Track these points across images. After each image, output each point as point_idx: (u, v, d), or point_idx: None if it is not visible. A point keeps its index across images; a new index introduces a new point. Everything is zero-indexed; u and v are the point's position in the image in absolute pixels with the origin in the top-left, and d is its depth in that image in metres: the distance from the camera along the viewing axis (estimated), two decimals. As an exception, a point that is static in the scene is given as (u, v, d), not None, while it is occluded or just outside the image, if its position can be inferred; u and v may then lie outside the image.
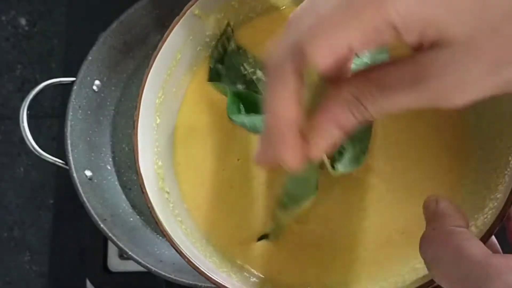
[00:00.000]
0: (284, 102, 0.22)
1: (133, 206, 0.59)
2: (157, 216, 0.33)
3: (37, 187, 0.68)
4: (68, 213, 0.63)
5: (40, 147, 0.53)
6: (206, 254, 0.34)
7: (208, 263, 0.33)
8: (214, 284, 0.31)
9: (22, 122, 0.53)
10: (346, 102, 0.21)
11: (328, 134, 0.22)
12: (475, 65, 0.19)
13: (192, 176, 0.38)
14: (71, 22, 0.68)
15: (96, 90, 0.58)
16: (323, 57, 0.20)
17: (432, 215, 0.26)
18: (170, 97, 0.38)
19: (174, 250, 0.31)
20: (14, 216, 0.68)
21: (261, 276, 0.35)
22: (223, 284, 0.30)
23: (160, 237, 0.57)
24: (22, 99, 0.54)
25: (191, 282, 0.49)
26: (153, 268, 0.50)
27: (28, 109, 0.53)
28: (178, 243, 0.32)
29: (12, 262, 0.67)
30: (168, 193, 0.36)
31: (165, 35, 0.35)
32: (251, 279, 0.34)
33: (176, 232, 0.33)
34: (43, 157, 0.53)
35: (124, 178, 0.60)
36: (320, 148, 0.23)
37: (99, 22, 0.59)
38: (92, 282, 0.58)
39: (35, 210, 0.68)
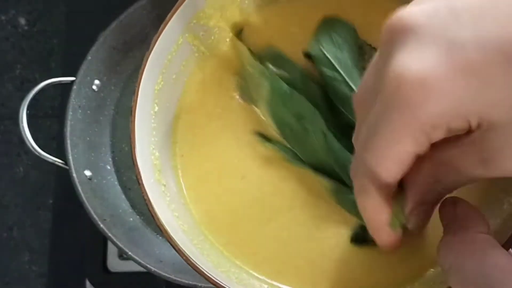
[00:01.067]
0: (373, 210, 0.25)
1: (133, 206, 0.58)
2: (153, 210, 0.31)
3: (37, 187, 0.68)
4: (67, 213, 0.63)
5: (39, 147, 0.53)
6: (204, 253, 0.33)
7: (207, 262, 0.32)
8: (214, 284, 0.30)
9: (22, 122, 0.53)
10: (429, 185, 0.24)
11: (416, 213, 0.25)
12: None
13: (196, 168, 0.36)
14: (70, 22, 0.68)
15: (96, 90, 0.58)
16: (390, 175, 0.23)
17: (450, 219, 0.25)
18: (170, 84, 0.36)
19: (173, 249, 0.31)
20: (14, 216, 0.68)
21: (262, 278, 0.34)
22: (222, 284, 0.30)
23: (160, 237, 0.57)
24: (22, 99, 0.54)
25: (191, 283, 0.49)
26: (153, 269, 0.50)
27: (27, 109, 0.53)
28: (176, 239, 0.31)
29: (12, 262, 0.67)
30: (164, 185, 0.35)
31: (167, 17, 0.34)
32: (251, 281, 0.34)
33: (174, 227, 0.32)
34: (42, 157, 0.53)
35: (124, 178, 0.59)
36: (414, 222, 0.26)
37: (99, 21, 0.59)
38: (91, 283, 0.58)
39: (35, 210, 0.67)
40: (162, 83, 0.36)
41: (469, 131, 0.21)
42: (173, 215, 0.34)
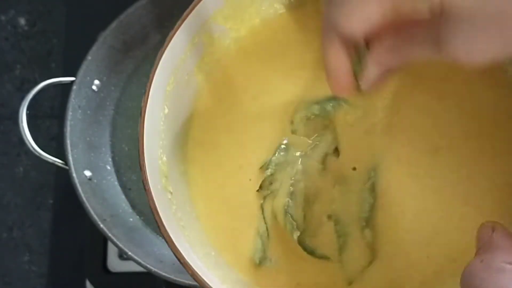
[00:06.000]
0: (335, 57, 0.28)
1: (133, 206, 0.58)
2: (160, 219, 0.30)
3: (37, 187, 0.68)
4: (67, 213, 0.63)
5: (39, 147, 0.53)
6: (209, 266, 0.32)
7: (211, 276, 0.31)
8: None
9: (22, 122, 0.53)
10: (387, 49, 0.28)
11: (373, 70, 0.29)
12: (478, 34, 0.23)
13: (208, 180, 0.35)
14: (70, 22, 0.68)
15: (96, 90, 0.58)
16: (355, 30, 0.27)
17: (484, 244, 0.24)
18: (182, 85, 0.35)
19: (177, 258, 0.29)
20: (14, 216, 0.68)
21: None
22: None
23: (160, 238, 0.57)
24: (22, 99, 0.53)
25: (191, 283, 0.49)
26: (153, 269, 0.50)
27: (27, 109, 0.53)
28: (181, 251, 0.29)
29: (12, 262, 0.67)
30: (171, 193, 0.33)
31: (184, 14, 0.32)
32: None
33: (178, 237, 0.31)
34: (42, 157, 0.53)
35: (124, 178, 0.59)
36: (369, 80, 0.29)
37: (99, 21, 0.59)
38: (91, 283, 0.58)
39: (35, 210, 0.67)
40: (173, 84, 0.34)
41: (432, 15, 0.24)
42: (179, 225, 0.33)
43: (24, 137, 0.53)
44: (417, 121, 0.34)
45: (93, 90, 0.58)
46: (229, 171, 0.35)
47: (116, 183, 0.59)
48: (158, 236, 0.57)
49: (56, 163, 0.54)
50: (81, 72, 0.56)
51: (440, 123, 0.34)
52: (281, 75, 0.36)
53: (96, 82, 0.58)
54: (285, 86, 0.36)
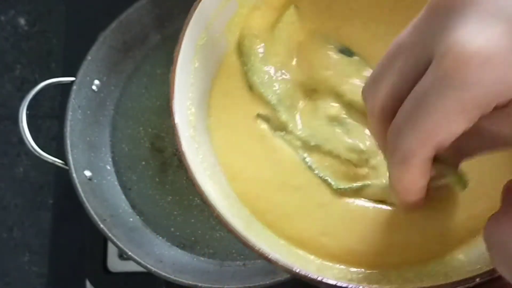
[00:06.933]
0: (411, 181, 0.24)
1: (133, 206, 0.58)
2: (187, 162, 0.31)
3: (37, 187, 0.68)
4: (67, 213, 0.63)
5: (39, 147, 0.53)
6: (233, 214, 0.32)
7: (236, 221, 0.31)
8: (243, 243, 0.29)
9: (22, 122, 0.53)
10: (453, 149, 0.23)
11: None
12: None
13: (229, 134, 0.36)
14: (70, 22, 0.68)
15: (96, 90, 0.58)
16: (434, 150, 0.22)
17: (510, 198, 0.24)
18: (213, 42, 0.36)
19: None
20: (14, 217, 0.68)
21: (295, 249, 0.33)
22: (252, 244, 0.29)
23: (160, 237, 0.57)
24: (22, 99, 0.54)
25: (191, 283, 0.49)
26: (153, 269, 0.50)
27: (27, 109, 0.53)
28: (207, 195, 0.30)
29: (12, 262, 0.67)
30: (198, 143, 0.34)
31: None
32: (280, 247, 0.33)
33: (205, 183, 0.32)
34: (42, 157, 0.53)
35: (124, 178, 0.59)
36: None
37: (99, 21, 0.59)
38: (92, 283, 0.58)
39: (35, 210, 0.67)
40: (205, 38, 0.35)
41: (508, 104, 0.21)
42: (205, 173, 0.33)
43: (24, 137, 0.53)
44: None
45: (93, 90, 0.58)
46: (252, 132, 0.36)
47: (116, 183, 0.59)
48: (158, 236, 0.57)
49: (56, 163, 0.54)
50: (81, 72, 0.56)
51: None
52: None
53: (96, 82, 0.58)
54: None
